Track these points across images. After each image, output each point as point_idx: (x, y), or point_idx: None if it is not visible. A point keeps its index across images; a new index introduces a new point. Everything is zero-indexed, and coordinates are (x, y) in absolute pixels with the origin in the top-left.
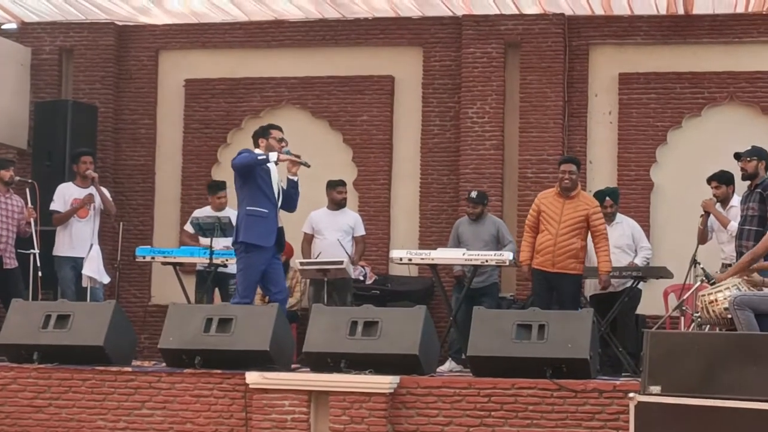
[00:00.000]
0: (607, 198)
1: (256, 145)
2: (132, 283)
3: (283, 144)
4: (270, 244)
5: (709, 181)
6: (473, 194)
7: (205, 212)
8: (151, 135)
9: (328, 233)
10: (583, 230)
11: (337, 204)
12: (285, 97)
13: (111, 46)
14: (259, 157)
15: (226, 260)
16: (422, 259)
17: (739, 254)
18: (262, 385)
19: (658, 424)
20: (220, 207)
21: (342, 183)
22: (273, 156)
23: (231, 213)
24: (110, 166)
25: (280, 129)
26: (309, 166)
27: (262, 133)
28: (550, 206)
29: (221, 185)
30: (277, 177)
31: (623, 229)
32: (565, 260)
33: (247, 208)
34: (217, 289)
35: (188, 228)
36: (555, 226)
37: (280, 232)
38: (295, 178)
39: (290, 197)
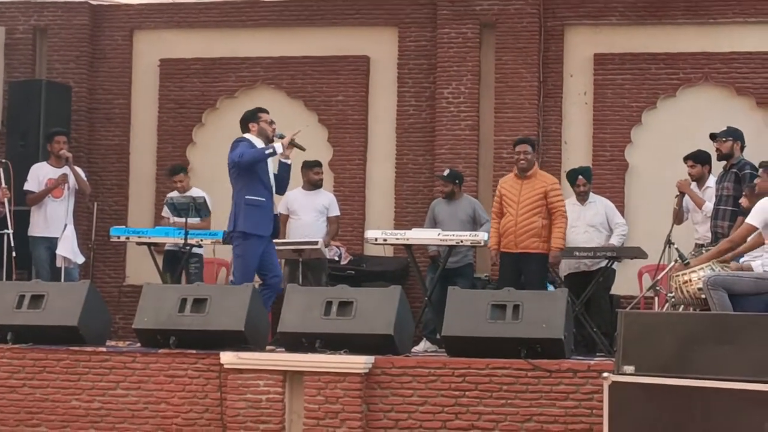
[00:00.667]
0: (580, 177)
1: (246, 130)
2: (107, 263)
3: (274, 126)
4: (268, 233)
5: (686, 160)
6: (445, 172)
7: (178, 193)
8: (126, 115)
9: (303, 213)
10: (543, 208)
11: (313, 184)
12: (260, 77)
13: (85, 25)
14: (267, 151)
15: (201, 240)
16: (397, 239)
17: (714, 234)
18: (237, 365)
19: (632, 403)
20: (180, 190)
21: (318, 164)
22: (279, 147)
23: (201, 193)
24: (84, 145)
25: (266, 111)
26: (305, 150)
27: (251, 117)
28: (510, 189)
29: (177, 169)
30: (272, 164)
31: (597, 208)
32: (527, 240)
33: (246, 197)
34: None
35: (165, 213)
36: (515, 207)
37: (276, 218)
38: (289, 161)
39: (282, 180)
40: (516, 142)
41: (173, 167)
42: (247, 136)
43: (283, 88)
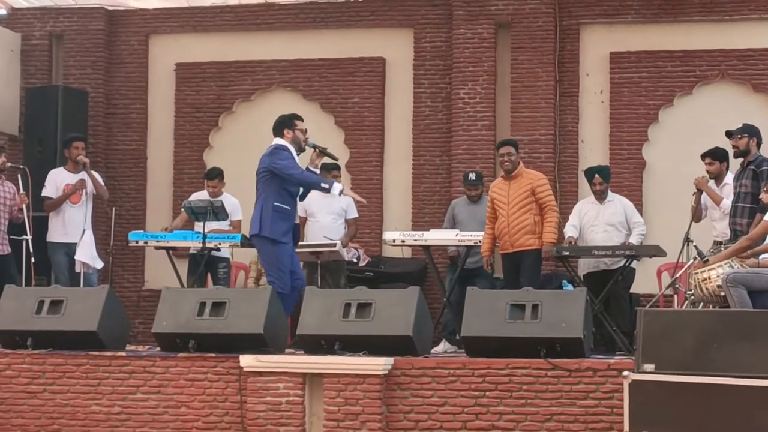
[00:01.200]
0: (596, 175)
1: (280, 135)
2: (125, 267)
3: (307, 136)
4: (291, 241)
5: (703, 157)
6: (472, 176)
7: (200, 195)
8: (143, 119)
9: (322, 216)
10: (534, 205)
11: None
12: (276, 80)
13: (101, 30)
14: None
15: (219, 244)
16: (415, 240)
17: (733, 231)
18: (257, 368)
19: (652, 401)
20: (213, 195)
21: (336, 167)
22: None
23: (232, 199)
24: (102, 151)
25: (302, 119)
26: (337, 160)
27: (288, 123)
28: (499, 192)
29: (212, 175)
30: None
31: (615, 207)
32: (521, 237)
33: (274, 203)
34: (209, 274)
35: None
36: (506, 207)
37: (296, 227)
38: (317, 171)
39: (307, 189)
40: (498, 144)
41: (211, 170)
42: (281, 142)
43: (300, 91)
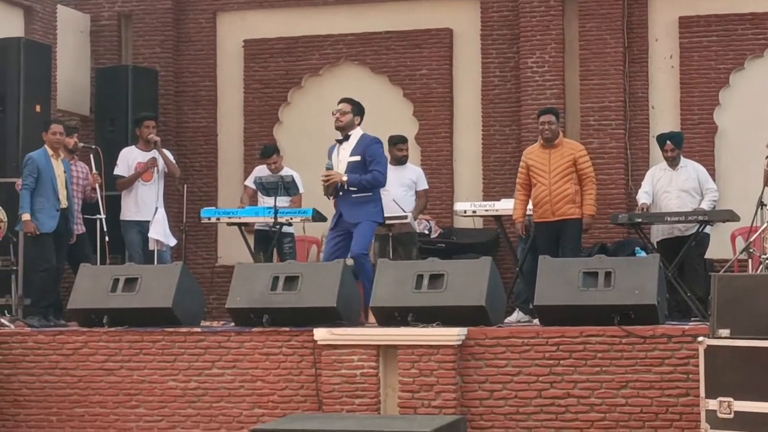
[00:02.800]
0: (668, 142)
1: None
2: (198, 244)
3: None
4: None
5: None
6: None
7: (262, 171)
8: (212, 97)
9: (392, 188)
10: (574, 175)
11: (397, 161)
12: (344, 53)
13: (169, 9)
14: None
15: (291, 218)
16: (486, 210)
17: None
18: (331, 341)
19: (727, 367)
20: (274, 171)
21: (403, 140)
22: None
23: (291, 172)
24: (172, 129)
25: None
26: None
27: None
28: (537, 159)
29: (268, 152)
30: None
31: (688, 173)
32: (563, 206)
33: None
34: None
35: (249, 182)
36: (546, 176)
37: None
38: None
39: None
40: (539, 112)
41: (266, 148)
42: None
43: (367, 64)
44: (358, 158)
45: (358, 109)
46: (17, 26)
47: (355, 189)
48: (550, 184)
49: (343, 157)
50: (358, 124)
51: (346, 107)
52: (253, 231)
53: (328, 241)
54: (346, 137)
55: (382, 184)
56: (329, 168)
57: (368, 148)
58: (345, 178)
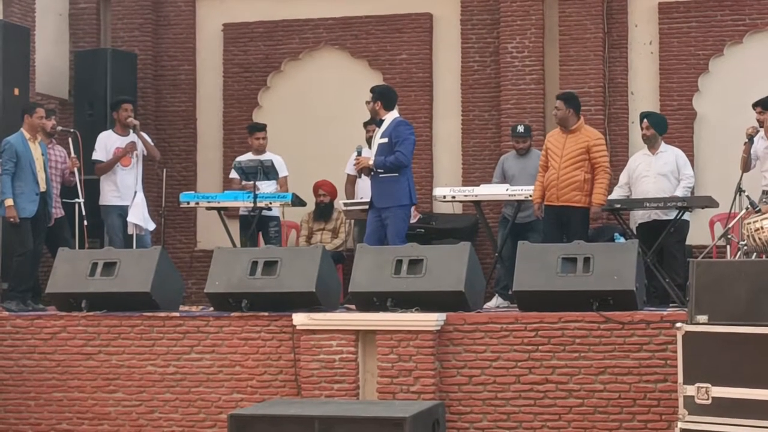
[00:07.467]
0: (645, 120)
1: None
2: (178, 229)
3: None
4: None
5: (754, 106)
6: (520, 128)
7: (247, 157)
8: (191, 81)
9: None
10: (586, 162)
11: (255, 150)
12: (323, 38)
13: None
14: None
15: (270, 203)
16: (466, 196)
17: None
18: (310, 326)
19: (705, 353)
20: (259, 148)
21: (261, 128)
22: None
23: (272, 156)
24: (151, 113)
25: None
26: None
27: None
28: (554, 143)
29: (260, 126)
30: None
31: (667, 158)
32: (569, 192)
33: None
34: (260, 233)
35: (233, 175)
36: (557, 160)
37: None
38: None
39: None
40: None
41: (255, 124)
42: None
43: (347, 48)
44: (386, 140)
45: (378, 95)
46: None
47: (382, 170)
48: (559, 168)
49: (377, 140)
50: (383, 109)
51: (369, 97)
52: (238, 216)
53: (369, 221)
54: (380, 122)
55: (405, 164)
56: (359, 153)
57: (394, 129)
58: (371, 162)
